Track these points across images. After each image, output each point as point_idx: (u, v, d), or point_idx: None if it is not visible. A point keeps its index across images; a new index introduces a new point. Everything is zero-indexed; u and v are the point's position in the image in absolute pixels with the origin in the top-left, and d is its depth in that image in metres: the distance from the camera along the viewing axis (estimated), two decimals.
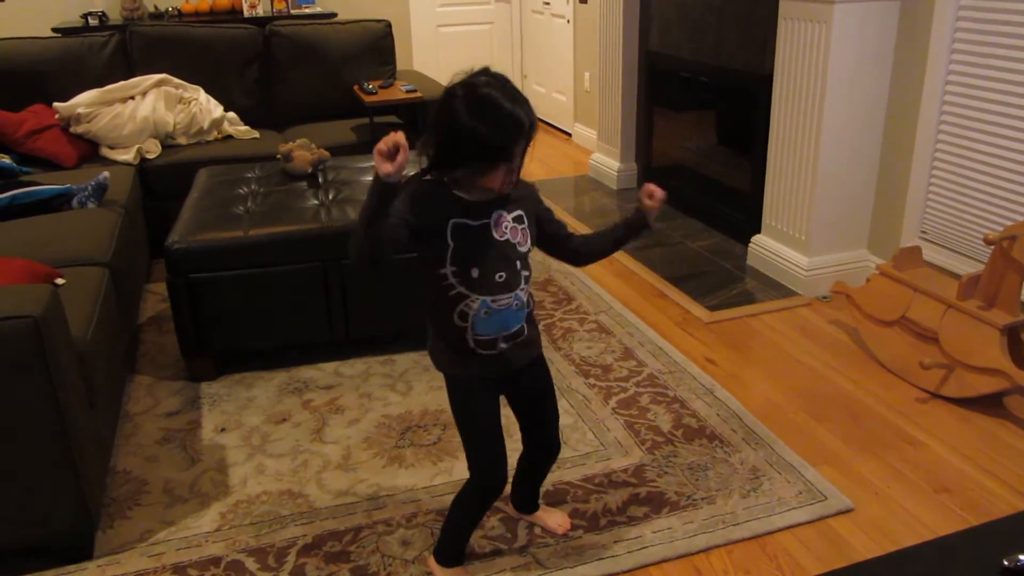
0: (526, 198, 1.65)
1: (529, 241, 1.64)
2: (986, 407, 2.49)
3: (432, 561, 1.88)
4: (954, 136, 2.87)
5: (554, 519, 2.02)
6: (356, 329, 2.78)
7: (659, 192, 1.70)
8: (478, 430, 1.71)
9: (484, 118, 1.44)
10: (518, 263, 1.61)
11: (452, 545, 1.86)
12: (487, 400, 1.70)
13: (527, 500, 2.02)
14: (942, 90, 2.89)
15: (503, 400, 1.75)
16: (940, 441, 2.35)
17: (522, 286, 1.63)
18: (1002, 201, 2.73)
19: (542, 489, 2.06)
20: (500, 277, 1.58)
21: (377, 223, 1.46)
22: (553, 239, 1.75)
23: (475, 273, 1.56)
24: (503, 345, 1.64)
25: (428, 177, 1.56)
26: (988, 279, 2.44)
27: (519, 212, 1.61)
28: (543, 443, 1.87)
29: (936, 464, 2.25)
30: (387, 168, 1.41)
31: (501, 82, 1.49)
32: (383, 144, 1.41)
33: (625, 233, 1.75)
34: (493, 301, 1.59)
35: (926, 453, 2.30)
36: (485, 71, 1.51)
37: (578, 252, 1.79)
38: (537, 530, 2.01)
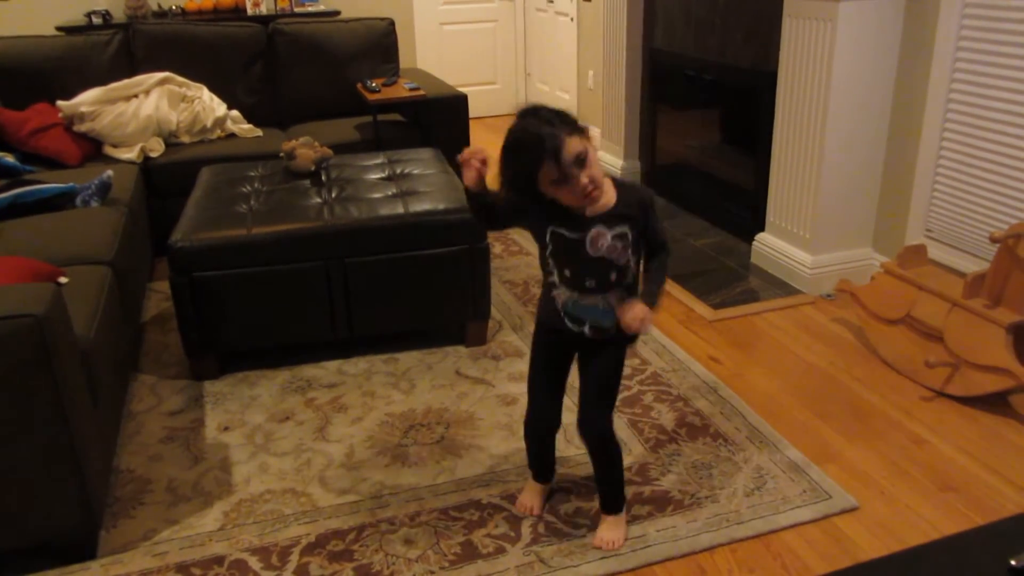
0: (634, 216, 1.63)
1: (632, 254, 1.65)
2: (991, 406, 2.48)
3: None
4: (960, 133, 2.86)
5: (605, 531, 1.94)
6: (359, 327, 2.78)
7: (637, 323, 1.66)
8: (530, 370, 1.89)
9: (505, 158, 1.54)
10: (613, 274, 1.64)
11: (530, 462, 2.07)
12: (549, 349, 1.84)
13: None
14: (947, 87, 2.87)
15: None
16: (945, 440, 2.34)
17: (614, 291, 1.66)
18: (1008, 199, 2.72)
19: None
20: (590, 283, 1.63)
21: (477, 208, 1.62)
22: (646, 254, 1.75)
23: (568, 273, 1.63)
24: (586, 330, 1.72)
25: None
26: (993, 277, 2.43)
27: (624, 230, 1.61)
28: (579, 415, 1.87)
29: (941, 463, 2.24)
30: (470, 177, 1.56)
31: (531, 111, 1.55)
32: (463, 154, 1.55)
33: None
34: (580, 298, 1.67)
35: (931, 452, 2.29)
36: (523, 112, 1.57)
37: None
38: (541, 528, 2.01)
